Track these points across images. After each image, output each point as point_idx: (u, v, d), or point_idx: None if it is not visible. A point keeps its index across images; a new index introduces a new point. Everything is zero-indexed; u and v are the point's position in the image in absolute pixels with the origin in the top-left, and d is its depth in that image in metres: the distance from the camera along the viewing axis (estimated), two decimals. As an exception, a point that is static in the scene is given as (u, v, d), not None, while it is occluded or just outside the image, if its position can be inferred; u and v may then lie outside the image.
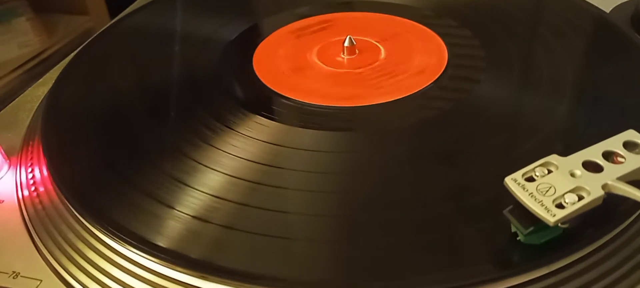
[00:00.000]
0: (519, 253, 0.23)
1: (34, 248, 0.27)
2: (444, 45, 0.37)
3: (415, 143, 0.30)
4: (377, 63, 0.37)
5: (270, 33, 0.40)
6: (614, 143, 0.23)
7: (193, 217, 0.26)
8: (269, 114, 0.32)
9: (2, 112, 0.37)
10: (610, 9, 0.42)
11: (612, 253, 0.23)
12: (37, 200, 0.28)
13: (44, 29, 0.77)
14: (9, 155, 0.32)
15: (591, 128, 0.29)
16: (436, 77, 0.34)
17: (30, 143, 0.32)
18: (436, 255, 0.23)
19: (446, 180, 0.27)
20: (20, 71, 0.72)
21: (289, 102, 0.33)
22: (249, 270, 0.23)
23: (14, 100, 0.38)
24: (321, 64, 0.37)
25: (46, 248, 0.26)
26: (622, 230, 0.23)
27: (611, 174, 0.22)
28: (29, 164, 0.30)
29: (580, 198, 0.21)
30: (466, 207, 0.25)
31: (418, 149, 0.30)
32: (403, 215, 0.25)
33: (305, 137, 0.30)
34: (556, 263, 0.22)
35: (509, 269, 0.22)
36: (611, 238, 0.23)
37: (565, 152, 0.23)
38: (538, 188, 0.22)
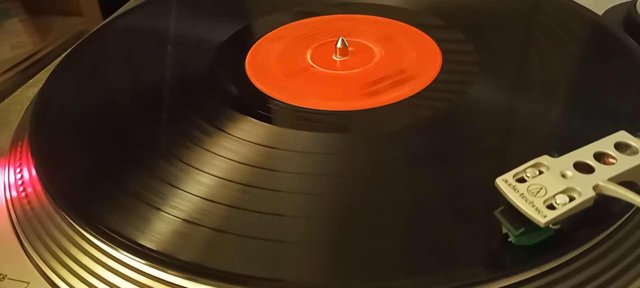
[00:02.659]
0: (511, 254, 0.23)
1: (22, 250, 0.27)
2: (438, 48, 0.37)
3: (408, 145, 0.30)
4: (370, 65, 0.36)
5: (263, 35, 0.40)
6: (605, 144, 0.23)
7: (184, 219, 0.25)
8: (261, 116, 0.32)
9: (-9, 112, 0.37)
10: (603, 11, 0.42)
11: (603, 254, 0.23)
12: (25, 202, 0.28)
13: (36, 30, 0.77)
14: (-3, 156, 0.32)
15: (583, 130, 0.29)
16: (429, 80, 0.34)
17: (20, 144, 0.32)
18: (428, 257, 0.23)
19: (439, 182, 0.27)
20: (13, 72, 0.72)
21: (281, 105, 0.33)
22: (240, 272, 0.23)
23: (3, 101, 0.38)
24: (314, 66, 0.37)
25: (34, 250, 0.26)
26: (613, 231, 0.23)
27: (602, 175, 0.22)
28: (18, 165, 0.30)
29: (571, 199, 0.21)
30: (458, 209, 0.25)
31: (411, 152, 0.29)
32: (395, 218, 0.25)
33: (298, 139, 0.30)
34: (548, 264, 0.22)
35: (500, 271, 0.22)
36: (603, 239, 0.23)
37: (557, 154, 0.23)
38: (529, 189, 0.22)
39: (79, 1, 0.80)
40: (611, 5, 0.42)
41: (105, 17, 0.80)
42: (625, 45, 0.36)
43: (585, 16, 0.40)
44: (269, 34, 0.40)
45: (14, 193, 0.29)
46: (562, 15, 0.40)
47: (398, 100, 0.33)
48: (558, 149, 0.23)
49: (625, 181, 0.22)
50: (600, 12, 0.41)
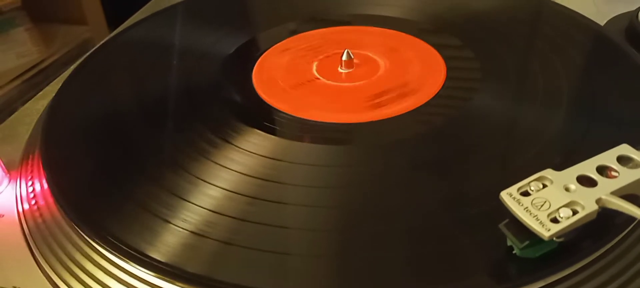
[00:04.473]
0: (516, 266, 0.23)
1: (34, 262, 0.27)
2: (442, 59, 0.38)
3: (412, 156, 0.30)
4: (375, 77, 0.37)
5: (269, 47, 0.41)
6: (608, 157, 0.24)
7: (191, 231, 0.26)
8: (267, 129, 0.32)
9: (1, 125, 0.37)
10: (605, 21, 0.42)
11: (607, 266, 0.23)
12: (37, 214, 0.28)
13: (42, 39, 0.77)
14: (9, 169, 0.32)
15: (587, 140, 0.29)
16: (434, 91, 0.35)
17: (30, 156, 0.32)
18: (433, 268, 0.24)
19: (443, 193, 0.27)
20: (18, 81, 0.72)
21: (287, 117, 0.34)
22: (246, 285, 0.23)
23: (13, 112, 0.38)
24: (320, 78, 0.37)
25: (46, 262, 0.27)
26: (617, 243, 0.24)
27: (605, 188, 0.22)
28: (29, 178, 0.31)
29: (575, 212, 0.22)
30: (463, 220, 0.25)
31: (415, 163, 0.30)
32: (400, 229, 0.26)
33: (304, 151, 0.31)
34: (553, 276, 0.22)
35: (505, 282, 0.23)
36: (606, 251, 0.23)
37: (561, 165, 0.24)
38: (533, 202, 0.22)
39: (84, 10, 0.80)
40: (613, 15, 0.43)
41: (110, 26, 0.80)
42: (627, 55, 0.36)
43: (587, 26, 0.40)
44: (275, 46, 0.41)
45: (26, 206, 0.29)
46: (564, 25, 0.40)
47: (403, 112, 0.33)
48: (561, 156, 0.22)
49: (627, 194, 0.22)
50: (602, 22, 0.41)
